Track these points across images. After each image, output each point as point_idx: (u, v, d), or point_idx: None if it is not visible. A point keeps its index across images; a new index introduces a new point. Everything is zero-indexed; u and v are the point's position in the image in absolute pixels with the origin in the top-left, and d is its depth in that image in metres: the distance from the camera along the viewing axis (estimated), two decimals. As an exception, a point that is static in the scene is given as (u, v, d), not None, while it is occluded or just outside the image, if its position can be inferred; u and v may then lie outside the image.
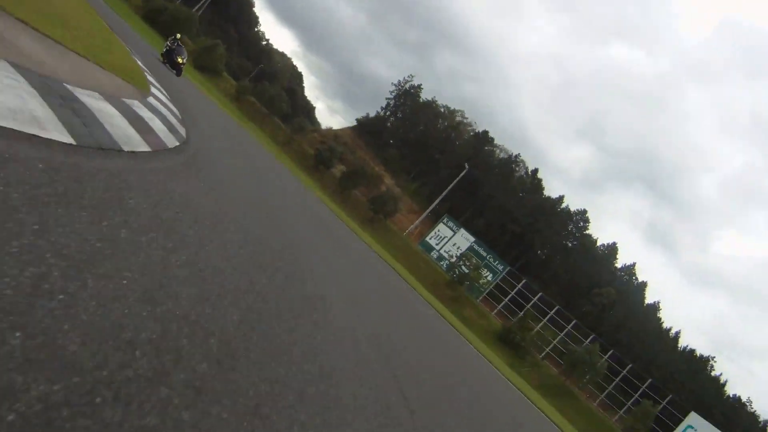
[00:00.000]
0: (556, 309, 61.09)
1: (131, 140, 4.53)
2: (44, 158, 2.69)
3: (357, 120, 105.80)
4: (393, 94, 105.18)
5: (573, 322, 59.73)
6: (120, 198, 3.13)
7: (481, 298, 60.33)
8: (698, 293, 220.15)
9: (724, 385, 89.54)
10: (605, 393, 56.34)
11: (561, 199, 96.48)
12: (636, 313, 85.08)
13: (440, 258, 65.49)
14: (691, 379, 79.66)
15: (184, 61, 30.72)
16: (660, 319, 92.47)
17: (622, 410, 53.32)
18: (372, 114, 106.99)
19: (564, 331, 58.75)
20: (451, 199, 72.75)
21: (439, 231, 69.04)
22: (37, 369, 1.49)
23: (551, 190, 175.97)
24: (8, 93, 3.06)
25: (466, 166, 71.02)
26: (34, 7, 5.53)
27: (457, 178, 69.89)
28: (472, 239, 66.75)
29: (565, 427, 33.23)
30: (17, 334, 1.51)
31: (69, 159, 2.98)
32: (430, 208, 71.76)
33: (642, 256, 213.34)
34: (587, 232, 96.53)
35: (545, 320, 59.58)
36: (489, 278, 62.81)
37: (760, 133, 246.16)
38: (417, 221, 72.61)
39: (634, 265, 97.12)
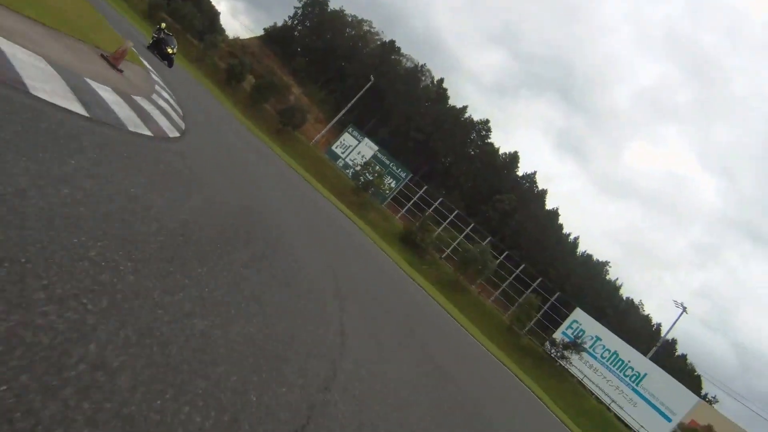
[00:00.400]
0: (455, 213, 63.97)
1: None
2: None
3: (264, 30, 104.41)
4: (301, 2, 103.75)
5: (471, 225, 63.08)
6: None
7: (385, 203, 62.76)
8: (607, 202, 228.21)
9: (618, 288, 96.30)
10: (499, 290, 60.44)
11: (464, 108, 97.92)
12: (536, 219, 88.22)
13: (346, 166, 67.10)
14: (588, 283, 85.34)
15: (175, 50, 29.84)
16: (561, 225, 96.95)
17: (515, 306, 57.06)
18: (279, 23, 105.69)
19: (463, 234, 61.93)
20: (358, 108, 73.50)
21: (344, 140, 70.41)
22: None
23: (463, 97, 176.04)
24: (56, 83, 4.38)
25: (372, 78, 71.60)
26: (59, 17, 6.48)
27: (362, 90, 70.60)
28: (376, 148, 68.53)
29: (456, 315, 37.09)
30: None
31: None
32: (336, 118, 72.57)
33: (553, 164, 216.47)
34: (489, 140, 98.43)
35: (445, 223, 62.42)
36: (392, 185, 65.05)
37: (672, 47, 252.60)
38: (323, 131, 73.42)
39: (535, 173, 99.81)
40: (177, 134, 8.10)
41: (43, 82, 4.50)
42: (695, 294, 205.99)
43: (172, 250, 3.56)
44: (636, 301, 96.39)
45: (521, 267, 61.67)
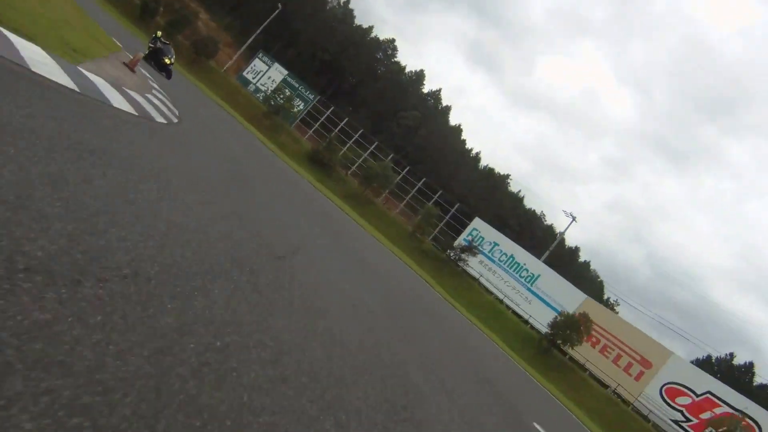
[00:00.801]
0: (360, 132, 67.56)
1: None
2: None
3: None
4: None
5: (375, 144, 66.89)
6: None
7: (294, 125, 65.57)
8: (520, 115, 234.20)
9: (521, 200, 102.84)
10: (403, 203, 65.39)
11: (370, 29, 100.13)
12: (439, 134, 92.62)
13: (257, 91, 69.13)
14: (490, 194, 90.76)
15: (173, 60, 27.99)
16: (464, 140, 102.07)
17: (418, 217, 61.69)
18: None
19: (367, 152, 65.94)
20: (265, 32, 74.64)
21: (254, 66, 72.01)
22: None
23: (374, 14, 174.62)
24: (117, 95, 7.86)
25: (279, 6, 72.75)
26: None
27: (270, 18, 71.87)
28: (285, 72, 70.44)
29: (363, 224, 41.59)
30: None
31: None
32: (245, 45, 73.70)
33: (465, 78, 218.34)
34: (396, 59, 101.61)
35: (350, 143, 66.32)
36: (301, 107, 67.74)
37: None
38: (234, 57, 74.67)
39: (440, 90, 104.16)
40: (175, 120, 11.63)
41: (112, 96, 7.86)
42: (609, 206, 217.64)
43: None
44: (538, 212, 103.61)
45: (423, 180, 65.92)
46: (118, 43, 20.43)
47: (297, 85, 69.69)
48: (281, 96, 64.75)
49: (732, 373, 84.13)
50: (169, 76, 27.09)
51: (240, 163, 13.88)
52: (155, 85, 16.29)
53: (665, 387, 45.90)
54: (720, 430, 38.74)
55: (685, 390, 44.88)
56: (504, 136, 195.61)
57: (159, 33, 28.45)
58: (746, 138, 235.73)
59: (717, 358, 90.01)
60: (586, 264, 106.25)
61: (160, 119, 9.68)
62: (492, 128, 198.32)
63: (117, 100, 7.77)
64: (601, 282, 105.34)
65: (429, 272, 47.06)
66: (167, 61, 26.92)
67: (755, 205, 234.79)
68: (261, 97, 67.10)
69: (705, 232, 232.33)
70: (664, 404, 44.78)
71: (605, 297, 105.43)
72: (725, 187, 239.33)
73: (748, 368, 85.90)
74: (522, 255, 59.70)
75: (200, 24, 74.05)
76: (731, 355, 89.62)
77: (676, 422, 42.48)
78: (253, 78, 71.78)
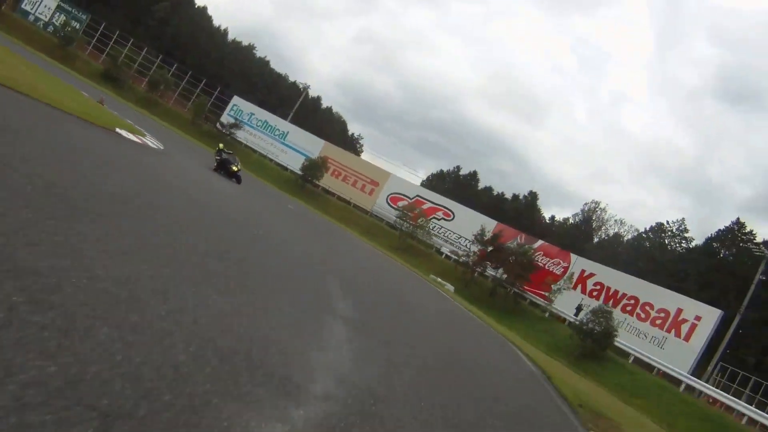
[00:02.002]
0: (131, 42, 74.45)
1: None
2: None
3: None
4: None
5: (143, 52, 75.53)
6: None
7: (74, 45, 69.90)
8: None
9: (268, 64, 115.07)
10: (176, 93, 76.11)
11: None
12: (189, 19, 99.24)
13: (36, 20, 72.29)
14: (240, 65, 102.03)
15: (239, 167, 31.01)
16: (210, 17, 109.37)
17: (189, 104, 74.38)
18: None
19: (142, 61, 74.84)
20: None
21: (30, -3, 74.29)
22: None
23: None
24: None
25: None
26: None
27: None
28: (58, -1, 73.56)
29: (156, 120, 54.85)
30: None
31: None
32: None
33: None
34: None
35: (140, 61, 74.58)
36: (77, 26, 72.46)
37: None
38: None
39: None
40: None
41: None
42: (357, 39, 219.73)
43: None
44: (282, 74, 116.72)
45: (189, 74, 76.21)
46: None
47: (70, 9, 73.68)
48: (58, 21, 70.29)
49: (459, 181, 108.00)
50: (239, 181, 30.14)
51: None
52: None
53: (389, 196, 67.36)
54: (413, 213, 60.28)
55: (403, 196, 66.86)
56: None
57: (221, 146, 33.37)
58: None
59: (449, 170, 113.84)
60: (329, 109, 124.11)
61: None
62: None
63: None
64: (344, 122, 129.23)
65: (206, 143, 58.29)
66: (234, 168, 30.30)
67: (500, 26, 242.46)
68: (41, 25, 71.17)
69: (456, 56, 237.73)
70: (390, 207, 65.75)
71: (350, 133, 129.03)
72: (473, 11, 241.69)
73: (473, 176, 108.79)
74: (273, 119, 76.24)
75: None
76: (458, 167, 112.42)
77: (398, 218, 61.45)
78: (32, 9, 73.14)
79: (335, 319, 8.58)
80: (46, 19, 72.75)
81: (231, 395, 3.81)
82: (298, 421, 4.07)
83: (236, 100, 77.78)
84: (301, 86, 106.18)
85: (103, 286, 4.32)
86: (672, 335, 43.41)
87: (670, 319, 44.06)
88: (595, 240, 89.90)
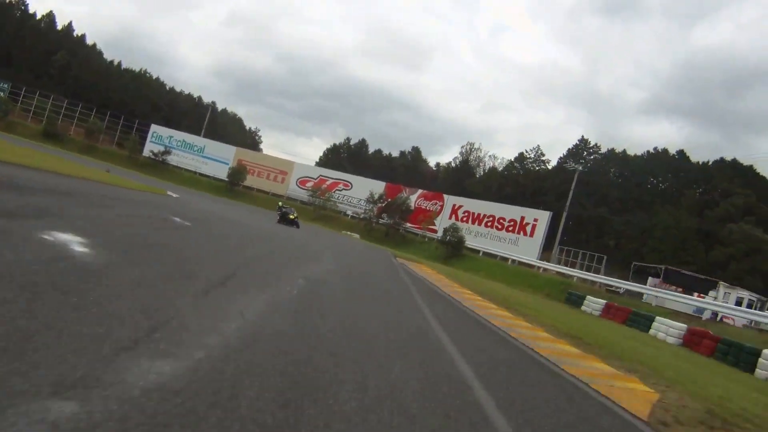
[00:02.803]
0: (51, 98, 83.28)
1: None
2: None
3: None
4: None
5: (65, 103, 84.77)
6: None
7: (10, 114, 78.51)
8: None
9: (163, 85, 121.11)
10: (106, 135, 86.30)
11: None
12: (82, 59, 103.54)
13: None
14: (139, 92, 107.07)
15: (296, 215, 38.80)
16: (100, 52, 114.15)
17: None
18: None
19: (66, 112, 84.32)
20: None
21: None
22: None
23: None
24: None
25: None
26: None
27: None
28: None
29: (95, 160, 60.69)
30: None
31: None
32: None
33: None
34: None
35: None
36: (1, 95, 79.67)
37: None
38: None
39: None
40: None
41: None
42: (226, 23, 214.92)
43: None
44: (179, 90, 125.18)
45: (94, 110, 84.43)
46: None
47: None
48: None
49: (351, 150, 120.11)
50: (297, 226, 37.57)
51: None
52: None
53: (298, 180, 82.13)
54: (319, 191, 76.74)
55: (308, 178, 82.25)
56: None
57: (280, 203, 43.60)
58: None
59: (341, 143, 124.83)
60: (239, 119, 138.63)
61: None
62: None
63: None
64: (240, 119, 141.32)
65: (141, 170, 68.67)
66: (292, 217, 37.96)
67: None
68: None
69: (329, 18, 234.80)
70: (300, 189, 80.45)
71: (248, 128, 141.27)
72: None
73: (362, 143, 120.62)
74: (189, 137, 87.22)
75: None
76: (348, 139, 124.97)
77: (309, 197, 76.94)
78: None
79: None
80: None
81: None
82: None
83: (154, 127, 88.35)
84: (205, 103, 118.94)
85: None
86: (521, 235, 62.20)
87: (517, 225, 63.03)
88: (478, 176, 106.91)
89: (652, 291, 41.84)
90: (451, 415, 5.00)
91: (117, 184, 25.93)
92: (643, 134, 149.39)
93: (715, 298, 41.60)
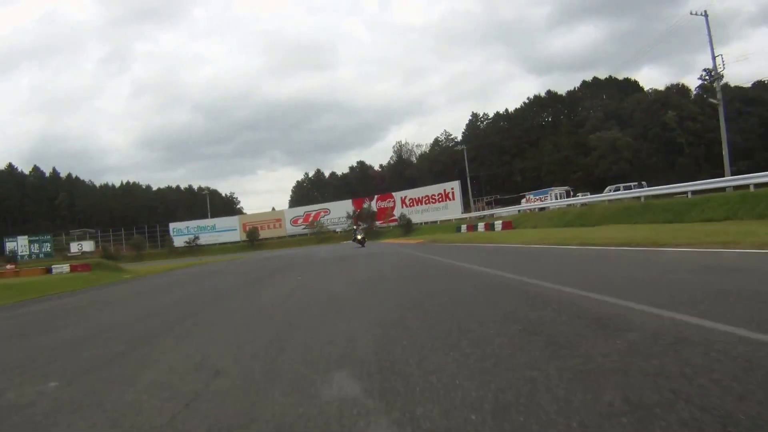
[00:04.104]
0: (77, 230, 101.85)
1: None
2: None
3: None
4: None
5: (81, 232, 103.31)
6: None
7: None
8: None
9: (139, 186, 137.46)
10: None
11: None
12: (78, 188, 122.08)
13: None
14: (139, 201, 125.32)
15: (363, 236, 42.33)
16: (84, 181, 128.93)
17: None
18: None
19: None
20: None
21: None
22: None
23: None
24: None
25: None
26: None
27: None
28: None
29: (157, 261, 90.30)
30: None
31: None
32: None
33: None
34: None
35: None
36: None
37: None
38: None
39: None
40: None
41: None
42: (132, 96, 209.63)
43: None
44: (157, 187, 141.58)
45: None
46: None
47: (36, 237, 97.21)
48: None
49: (313, 181, 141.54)
50: (363, 244, 41.04)
51: None
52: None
53: (291, 220, 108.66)
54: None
55: (297, 217, 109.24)
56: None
57: (355, 227, 47.88)
58: None
59: (302, 179, 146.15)
60: (215, 191, 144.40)
61: None
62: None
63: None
64: (215, 190, 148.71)
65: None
66: (359, 237, 41.87)
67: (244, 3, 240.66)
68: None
69: (224, 52, 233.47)
70: (293, 227, 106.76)
71: (224, 194, 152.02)
72: (211, 7, 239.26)
73: (319, 172, 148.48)
74: (202, 222, 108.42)
75: None
76: (306, 173, 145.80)
77: (303, 229, 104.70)
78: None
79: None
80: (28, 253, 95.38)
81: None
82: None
83: (172, 225, 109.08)
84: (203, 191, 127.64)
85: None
86: (448, 202, 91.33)
87: (443, 195, 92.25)
88: (413, 164, 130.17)
89: (496, 211, 73.81)
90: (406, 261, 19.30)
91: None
92: (565, 45, 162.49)
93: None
